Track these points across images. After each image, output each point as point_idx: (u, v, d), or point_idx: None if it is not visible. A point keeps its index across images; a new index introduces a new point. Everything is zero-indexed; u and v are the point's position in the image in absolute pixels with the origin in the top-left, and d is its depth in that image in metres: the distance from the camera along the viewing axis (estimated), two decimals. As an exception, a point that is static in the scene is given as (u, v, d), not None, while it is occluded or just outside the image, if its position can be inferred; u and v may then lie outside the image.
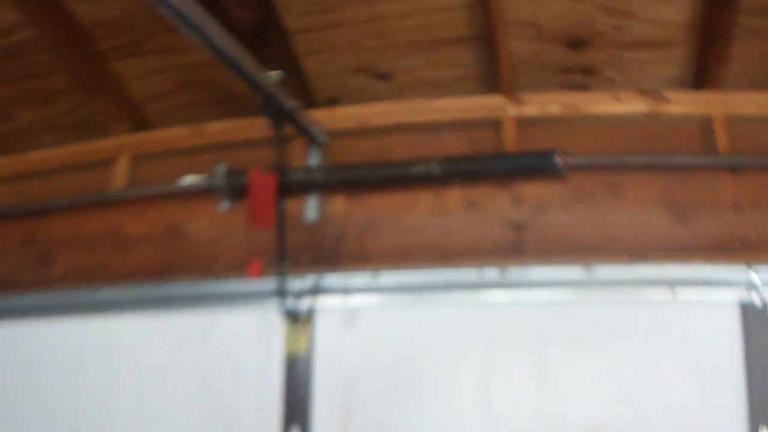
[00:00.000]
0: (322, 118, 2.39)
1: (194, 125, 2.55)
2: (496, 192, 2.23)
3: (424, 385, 2.08)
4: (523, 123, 2.30)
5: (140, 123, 2.69)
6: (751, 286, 1.97)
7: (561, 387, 1.99)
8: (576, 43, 2.33)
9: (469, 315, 2.11)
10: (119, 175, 2.57)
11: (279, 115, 2.02)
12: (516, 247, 2.16)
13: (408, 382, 2.09)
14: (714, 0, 2.12)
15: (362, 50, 2.43)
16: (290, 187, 2.20)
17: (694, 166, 2.16)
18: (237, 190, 2.30)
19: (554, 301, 2.07)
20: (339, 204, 2.33)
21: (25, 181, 2.72)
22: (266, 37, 2.36)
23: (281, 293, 2.06)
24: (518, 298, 2.09)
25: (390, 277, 2.17)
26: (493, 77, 2.40)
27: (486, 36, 2.31)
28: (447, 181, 2.23)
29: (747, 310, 1.96)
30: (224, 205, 2.37)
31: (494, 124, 2.32)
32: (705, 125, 2.22)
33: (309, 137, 2.33)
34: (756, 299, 1.96)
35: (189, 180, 2.37)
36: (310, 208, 2.33)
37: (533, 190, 2.21)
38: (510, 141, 2.28)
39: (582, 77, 2.43)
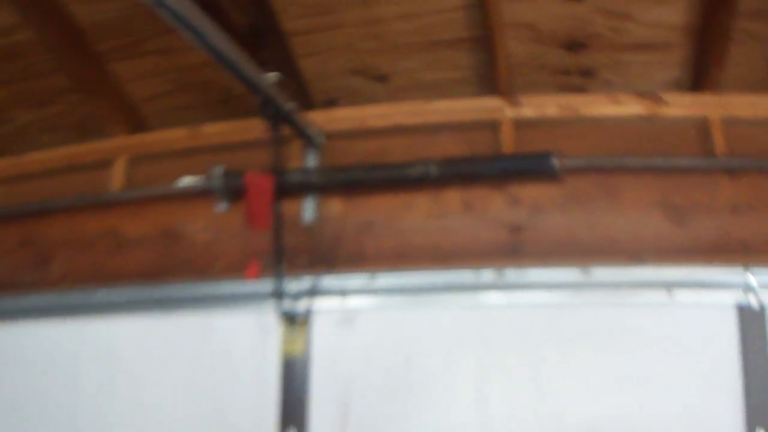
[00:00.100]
0: (320, 119, 2.39)
1: (192, 127, 2.55)
2: (494, 194, 2.23)
3: (421, 386, 2.08)
4: (520, 125, 2.30)
5: (138, 124, 2.68)
6: (748, 288, 1.97)
7: (558, 389, 1.99)
8: (574, 45, 2.33)
9: (466, 317, 2.11)
10: (117, 177, 2.57)
11: (276, 117, 2.02)
12: (513, 249, 2.16)
13: (405, 383, 2.09)
14: (712, 3, 2.12)
15: (360, 52, 2.43)
16: (287, 189, 2.20)
17: (691, 169, 2.16)
18: (234, 192, 2.30)
19: (551, 303, 2.07)
20: (336, 205, 2.33)
21: (22, 182, 2.72)
22: (264, 39, 2.36)
23: (278, 295, 2.06)
24: (515, 300, 2.09)
25: (387, 278, 2.17)
26: (490, 79, 2.40)
27: (484, 38, 2.31)
28: (444, 182, 2.24)
29: (744, 313, 1.96)
30: (221, 207, 2.37)
31: (492, 126, 2.32)
32: (702, 128, 2.22)
33: (306, 139, 2.33)
34: (753, 302, 1.96)
35: (186, 181, 2.37)
36: (308, 209, 2.33)
37: (530, 192, 2.21)
38: (507, 143, 2.28)
39: (580, 79, 2.43)
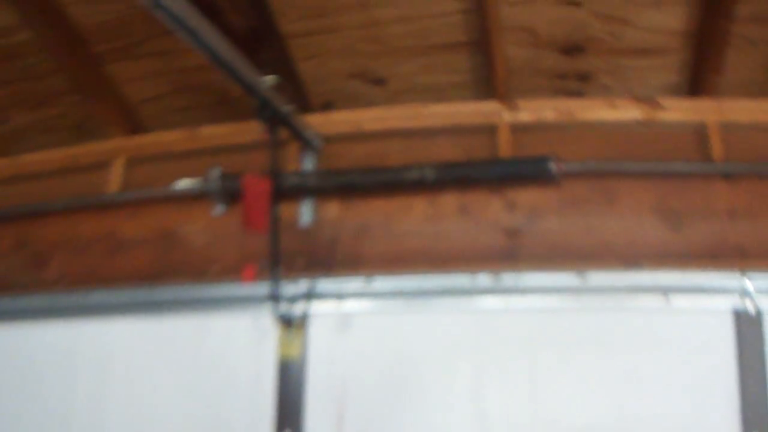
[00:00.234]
0: (317, 122, 2.39)
1: (189, 129, 2.55)
2: (491, 198, 2.23)
3: (417, 390, 2.08)
4: (517, 129, 2.30)
5: (135, 126, 2.68)
6: (744, 293, 1.97)
7: (554, 393, 1.99)
8: (571, 49, 2.33)
9: (462, 321, 2.11)
10: (114, 179, 2.57)
11: (274, 120, 2.02)
12: (510, 254, 2.16)
13: (401, 387, 2.08)
14: (709, 8, 2.12)
15: (357, 55, 2.43)
16: (284, 192, 2.20)
17: (688, 173, 2.16)
18: (231, 194, 2.30)
19: (547, 307, 2.07)
20: (333, 209, 2.33)
21: (19, 183, 2.72)
22: (262, 42, 2.36)
23: (275, 298, 2.05)
24: (512, 305, 2.09)
25: (383, 282, 2.17)
26: (488, 83, 2.40)
27: (481, 42, 2.31)
28: (441, 186, 2.23)
29: (740, 318, 1.96)
30: (218, 209, 2.37)
31: (489, 130, 2.32)
32: (700, 132, 2.22)
33: (304, 142, 2.33)
34: (750, 307, 1.95)
35: (183, 184, 2.37)
36: (305, 212, 2.33)
37: (527, 196, 2.21)
38: (504, 147, 2.28)
39: (577, 84, 2.43)
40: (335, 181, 2.27)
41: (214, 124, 2.54)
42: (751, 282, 1.96)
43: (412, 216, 2.26)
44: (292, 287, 2.17)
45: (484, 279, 2.11)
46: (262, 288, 2.07)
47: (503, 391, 2.03)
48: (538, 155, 2.15)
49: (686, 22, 2.20)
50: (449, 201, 2.25)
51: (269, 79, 1.94)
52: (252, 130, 2.25)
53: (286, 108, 2.05)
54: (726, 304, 1.98)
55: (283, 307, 2.11)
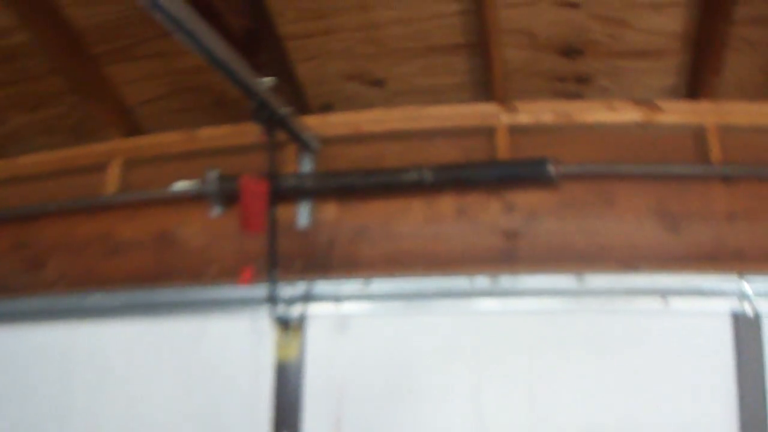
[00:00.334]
0: (315, 124, 2.39)
1: (187, 131, 2.55)
2: (489, 200, 2.23)
3: (414, 392, 2.07)
4: (516, 131, 2.30)
5: (133, 128, 2.68)
6: (743, 296, 1.97)
7: (552, 395, 1.99)
8: (570, 51, 2.33)
9: (460, 323, 2.10)
10: (111, 180, 2.57)
11: (272, 121, 2.02)
12: (508, 256, 2.16)
13: (399, 389, 2.08)
14: (708, 10, 2.12)
15: (356, 57, 2.43)
16: (282, 194, 2.20)
17: (687, 176, 2.16)
18: (229, 196, 2.29)
19: (546, 309, 2.07)
20: (331, 210, 2.32)
21: (16, 184, 2.71)
22: (260, 43, 2.36)
23: (272, 300, 2.05)
24: (510, 307, 2.09)
25: (381, 284, 2.17)
26: (486, 85, 2.40)
27: (480, 43, 2.31)
28: (439, 188, 2.23)
29: (739, 320, 1.96)
30: (216, 211, 2.37)
31: (487, 132, 2.32)
32: (698, 135, 2.22)
33: (301, 143, 2.32)
34: (748, 309, 1.95)
35: (181, 185, 2.36)
36: (302, 214, 2.32)
37: (526, 198, 2.21)
38: (503, 149, 2.28)
39: (576, 86, 2.43)
40: (333, 182, 2.27)
41: (212, 125, 2.54)
42: (749, 285, 1.97)
43: (411, 218, 2.26)
44: (289, 289, 2.16)
45: (482, 281, 2.11)
46: (260, 290, 2.07)
47: (501, 392, 2.02)
48: (537, 157, 2.15)
49: (685, 24, 2.20)
50: (447, 203, 2.25)
51: (267, 81, 1.93)
52: (250, 132, 2.24)
53: (284, 110, 2.04)
54: (724, 306, 1.98)
55: (281, 309, 2.11)
